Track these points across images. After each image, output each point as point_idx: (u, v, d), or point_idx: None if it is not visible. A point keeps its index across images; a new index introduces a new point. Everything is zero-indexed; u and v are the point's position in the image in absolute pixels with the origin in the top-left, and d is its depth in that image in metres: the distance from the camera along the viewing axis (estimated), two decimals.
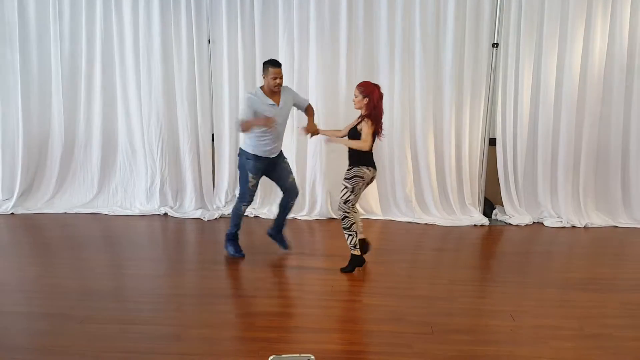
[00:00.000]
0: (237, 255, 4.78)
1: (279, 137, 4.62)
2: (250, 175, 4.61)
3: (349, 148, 4.36)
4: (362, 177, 4.32)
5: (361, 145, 4.25)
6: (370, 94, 4.23)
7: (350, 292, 4.11)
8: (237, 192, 6.31)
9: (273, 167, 4.70)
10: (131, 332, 3.36)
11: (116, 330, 3.38)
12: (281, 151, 4.75)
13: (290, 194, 4.81)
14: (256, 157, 4.56)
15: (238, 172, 4.78)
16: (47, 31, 6.27)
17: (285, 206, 4.85)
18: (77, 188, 6.56)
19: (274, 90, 4.50)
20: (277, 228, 4.95)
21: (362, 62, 5.99)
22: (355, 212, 4.49)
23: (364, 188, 4.43)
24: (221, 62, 6.18)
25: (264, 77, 4.50)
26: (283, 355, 1.40)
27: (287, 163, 4.82)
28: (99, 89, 6.34)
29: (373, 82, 4.40)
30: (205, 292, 4.04)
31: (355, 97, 4.29)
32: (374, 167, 4.40)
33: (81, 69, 6.32)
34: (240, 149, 4.68)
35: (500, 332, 3.40)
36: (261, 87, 4.54)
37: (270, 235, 4.99)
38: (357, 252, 4.43)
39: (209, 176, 6.45)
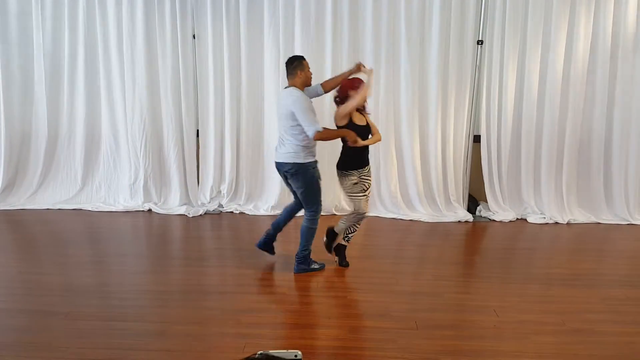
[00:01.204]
0: (320, 266, 4.48)
1: None
2: (319, 182, 4.25)
3: (363, 146, 4.23)
4: None
5: (378, 137, 4.37)
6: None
7: (335, 288, 4.12)
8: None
9: None
10: (115, 328, 3.33)
11: (100, 326, 3.35)
12: None
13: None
14: (316, 162, 4.26)
15: (307, 189, 4.21)
16: (29, 25, 6.19)
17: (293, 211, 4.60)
18: (60, 184, 6.51)
19: (308, 85, 4.28)
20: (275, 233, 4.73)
21: (347, 59, 5.98)
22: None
23: None
24: (206, 58, 6.14)
25: (300, 73, 4.14)
26: (271, 351, 1.39)
27: None
28: (82, 84, 6.28)
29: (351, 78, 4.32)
30: (190, 289, 4.02)
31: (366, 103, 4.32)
32: None
33: (64, 63, 6.26)
34: (299, 164, 4.11)
35: (483, 327, 3.43)
36: (293, 86, 4.17)
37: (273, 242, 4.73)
38: (345, 243, 4.56)
39: (193, 172, 6.41)
